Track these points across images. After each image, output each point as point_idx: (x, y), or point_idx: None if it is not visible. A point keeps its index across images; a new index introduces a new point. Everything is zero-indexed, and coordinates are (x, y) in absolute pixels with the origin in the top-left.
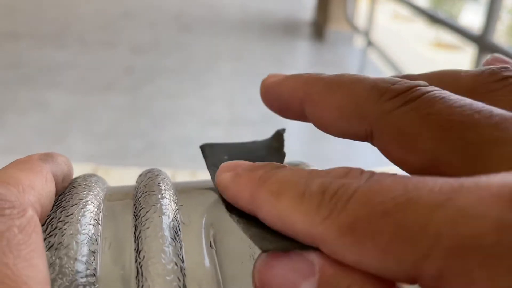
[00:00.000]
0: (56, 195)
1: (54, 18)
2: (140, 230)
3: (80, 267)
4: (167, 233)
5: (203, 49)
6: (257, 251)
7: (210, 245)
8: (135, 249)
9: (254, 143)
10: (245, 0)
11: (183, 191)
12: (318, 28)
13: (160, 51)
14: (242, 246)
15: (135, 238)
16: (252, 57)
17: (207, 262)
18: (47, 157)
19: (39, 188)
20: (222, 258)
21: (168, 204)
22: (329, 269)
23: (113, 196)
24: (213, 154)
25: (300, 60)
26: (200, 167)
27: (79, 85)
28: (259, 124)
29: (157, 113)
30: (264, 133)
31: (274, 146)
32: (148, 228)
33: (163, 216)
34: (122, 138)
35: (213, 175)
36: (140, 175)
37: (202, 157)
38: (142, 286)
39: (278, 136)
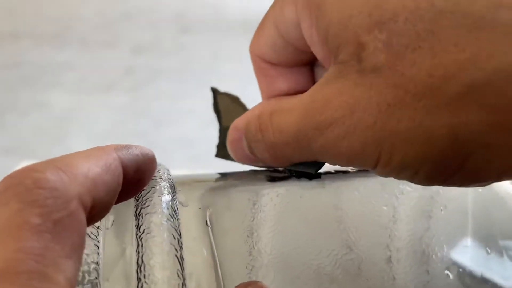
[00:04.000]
0: (127, 185)
1: (54, 18)
2: (141, 208)
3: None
4: (165, 210)
5: (203, 49)
6: (251, 230)
7: (206, 223)
8: (136, 226)
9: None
10: (245, 1)
11: (182, 179)
12: None
13: (160, 51)
14: (235, 225)
15: (136, 216)
16: None
17: (202, 237)
18: (121, 146)
19: (96, 177)
20: (216, 234)
21: (167, 187)
22: None
23: None
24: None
25: None
26: (201, 167)
27: (80, 85)
28: None
29: (158, 113)
30: None
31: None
32: (148, 206)
33: (162, 196)
34: (122, 138)
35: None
36: None
37: (202, 157)
38: (142, 256)
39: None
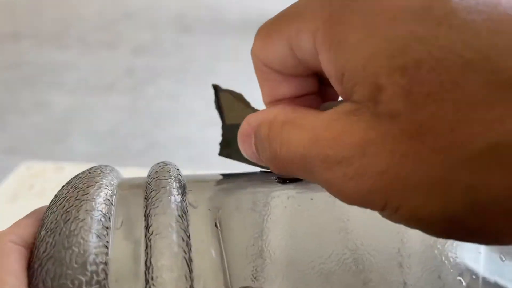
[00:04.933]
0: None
1: (54, 18)
2: (150, 209)
3: (94, 239)
4: (175, 211)
5: (203, 49)
6: (260, 232)
7: (216, 225)
8: (145, 226)
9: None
10: (245, 1)
11: (193, 180)
12: None
13: (160, 51)
14: (244, 227)
15: (145, 216)
16: None
17: (211, 239)
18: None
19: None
20: (226, 236)
21: (178, 187)
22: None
23: (126, 185)
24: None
25: None
26: (201, 168)
27: (80, 86)
28: None
29: (158, 114)
30: None
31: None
32: (157, 207)
33: (172, 197)
34: (122, 138)
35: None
36: (153, 166)
37: (202, 156)
38: (150, 258)
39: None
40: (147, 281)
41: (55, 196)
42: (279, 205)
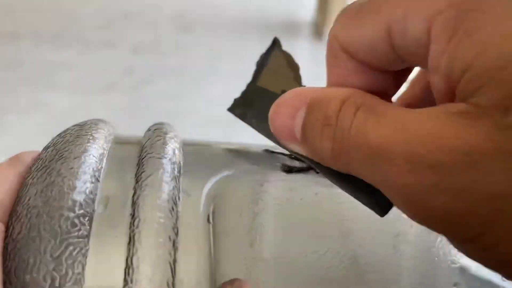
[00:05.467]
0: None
1: (54, 18)
2: (139, 195)
3: (73, 225)
4: (165, 203)
5: (203, 49)
6: (257, 227)
7: (208, 220)
8: (130, 214)
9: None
10: (245, 1)
11: (192, 152)
12: (318, 28)
13: (160, 51)
14: (240, 222)
15: (133, 202)
16: (252, 57)
17: (201, 236)
18: (14, 160)
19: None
20: (218, 233)
21: (172, 170)
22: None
23: (119, 145)
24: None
25: (300, 60)
26: None
27: (79, 85)
28: None
29: (157, 113)
30: None
31: (282, 62)
32: (146, 195)
33: (163, 184)
34: None
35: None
36: (148, 129)
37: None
38: (132, 257)
39: (276, 49)
40: (125, 282)
41: (39, 158)
42: (280, 196)
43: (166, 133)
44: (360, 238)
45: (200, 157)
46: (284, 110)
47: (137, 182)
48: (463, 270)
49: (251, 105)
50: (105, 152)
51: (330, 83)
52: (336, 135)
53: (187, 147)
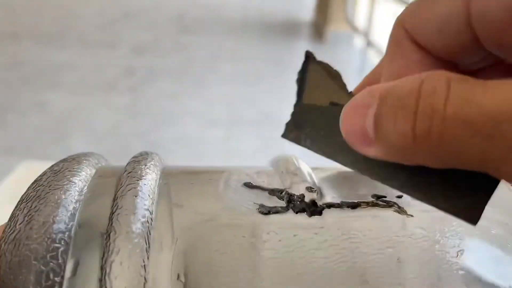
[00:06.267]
0: None
1: (54, 18)
2: (106, 260)
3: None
4: (133, 273)
5: (203, 49)
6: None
7: (178, 277)
8: (99, 280)
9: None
10: (245, 1)
11: (175, 190)
12: (318, 28)
13: (160, 51)
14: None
15: (101, 267)
16: (252, 57)
17: None
18: None
19: None
20: None
21: (140, 232)
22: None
23: (103, 174)
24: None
25: (300, 60)
26: None
27: (80, 85)
28: (259, 124)
29: (157, 113)
30: (264, 133)
31: (324, 73)
32: (114, 261)
33: (130, 251)
34: (122, 138)
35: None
36: (129, 164)
37: (202, 157)
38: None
39: (314, 62)
40: None
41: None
42: (258, 239)
43: (139, 179)
44: (350, 277)
45: (180, 195)
46: (354, 111)
47: (105, 243)
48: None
49: (303, 126)
50: (77, 205)
51: (387, 77)
52: (421, 114)
53: (170, 178)
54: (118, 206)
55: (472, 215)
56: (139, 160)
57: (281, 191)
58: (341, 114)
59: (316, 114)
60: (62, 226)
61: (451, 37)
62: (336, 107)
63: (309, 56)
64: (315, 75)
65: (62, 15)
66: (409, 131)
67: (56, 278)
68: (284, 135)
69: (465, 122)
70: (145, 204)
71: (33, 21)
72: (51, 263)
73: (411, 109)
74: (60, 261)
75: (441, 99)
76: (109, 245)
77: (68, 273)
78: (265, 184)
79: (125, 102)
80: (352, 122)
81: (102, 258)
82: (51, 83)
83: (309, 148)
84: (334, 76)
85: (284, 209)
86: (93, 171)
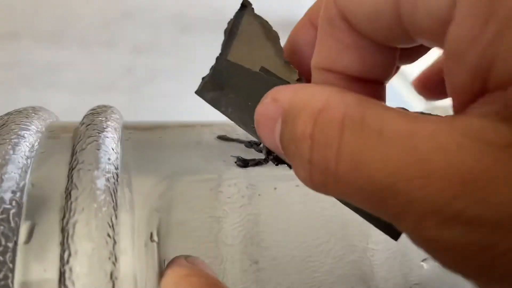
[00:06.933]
0: None
1: (54, 18)
2: (68, 221)
3: None
4: (98, 231)
5: (203, 49)
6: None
7: (151, 238)
8: (60, 244)
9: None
10: None
11: (138, 144)
12: None
13: (160, 51)
14: (189, 236)
15: (62, 228)
16: None
17: (144, 256)
18: None
19: None
20: (164, 252)
21: (106, 185)
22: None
23: (56, 129)
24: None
25: None
26: None
27: (79, 85)
28: None
29: (157, 113)
30: None
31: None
32: (77, 222)
33: (95, 206)
34: None
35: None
36: (86, 117)
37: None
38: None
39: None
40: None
41: None
42: (235, 194)
43: (101, 131)
44: (330, 231)
45: (147, 152)
46: (264, 122)
47: (66, 202)
48: None
49: (224, 87)
50: (28, 162)
51: (317, 57)
52: (315, 165)
53: (134, 133)
54: (78, 161)
55: (394, 233)
56: (98, 112)
57: (258, 143)
58: (255, 116)
59: (242, 77)
60: (12, 184)
61: (382, 26)
62: (267, 77)
63: (245, 6)
64: (248, 30)
65: (62, 15)
66: (308, 179)
67: (8, 244)
68: (200, 93)
69: (356, 188)
70: (109, 158)
71: (33, 21)
72: (1, 227)
73: (306, 156)
74: (12, 224)
75: (333, 153)
76: (71, 204)
77: (22, 237)
78: (240, 137)
79: (125, 101)
80: (264, 133)
81: (63, 220)
82: (50, 83)
83: (228, 117)
84: (272, 38)
85: (264, 162)
86: (44, 126)
